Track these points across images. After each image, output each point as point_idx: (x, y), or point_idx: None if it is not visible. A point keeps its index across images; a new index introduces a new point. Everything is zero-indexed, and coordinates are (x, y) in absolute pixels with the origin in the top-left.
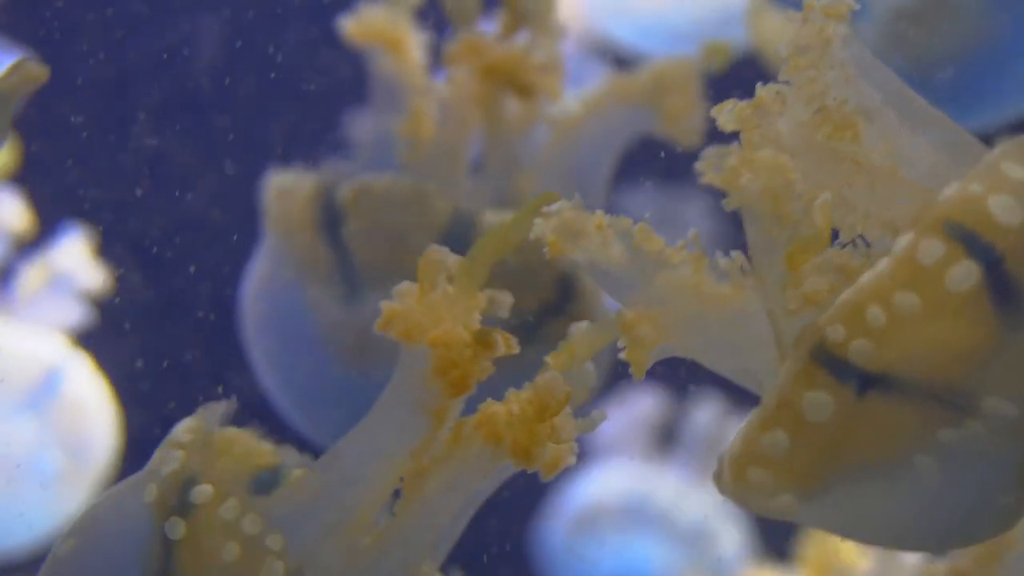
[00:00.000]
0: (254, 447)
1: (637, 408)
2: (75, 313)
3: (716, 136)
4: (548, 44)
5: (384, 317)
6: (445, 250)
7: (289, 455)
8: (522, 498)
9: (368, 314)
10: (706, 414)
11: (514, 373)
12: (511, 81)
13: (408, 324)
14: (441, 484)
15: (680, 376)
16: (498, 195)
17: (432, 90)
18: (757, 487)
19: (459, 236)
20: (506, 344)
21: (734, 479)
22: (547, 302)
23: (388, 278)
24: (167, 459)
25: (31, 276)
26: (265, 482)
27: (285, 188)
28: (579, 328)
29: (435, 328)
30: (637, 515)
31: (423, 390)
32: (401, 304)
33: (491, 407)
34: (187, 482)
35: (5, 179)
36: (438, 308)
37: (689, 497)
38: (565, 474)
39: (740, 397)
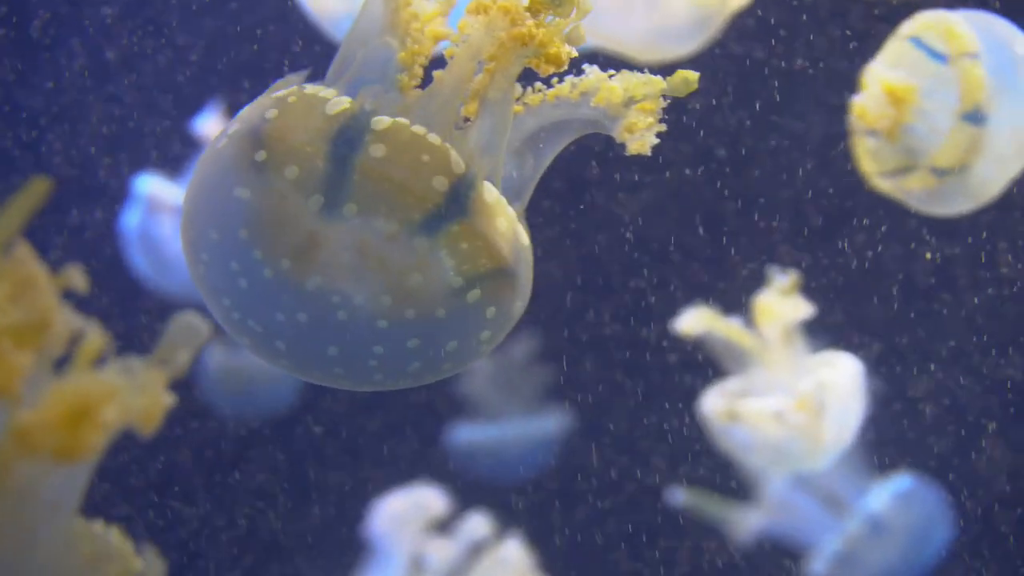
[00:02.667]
0: None
1: (419, 499)
2: None
3: None
4: (575, 20)
5: None
6: None
7: None
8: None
9: (334, 231)
10: (476, 525)
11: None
12: (541, 53)
13: None
14: (23, 485)
15: (464, 480)
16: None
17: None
18: None
19: (459, 197)
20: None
21: None
22: (438, 207)
23: (373, 209)
24: None
25: None
26: None
27: (315, 96)
28: None
29: None
30: None
31: None
32: None
33: (25, 418)
34: None
35: None
36: None
37: None
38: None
39: (512, 517)
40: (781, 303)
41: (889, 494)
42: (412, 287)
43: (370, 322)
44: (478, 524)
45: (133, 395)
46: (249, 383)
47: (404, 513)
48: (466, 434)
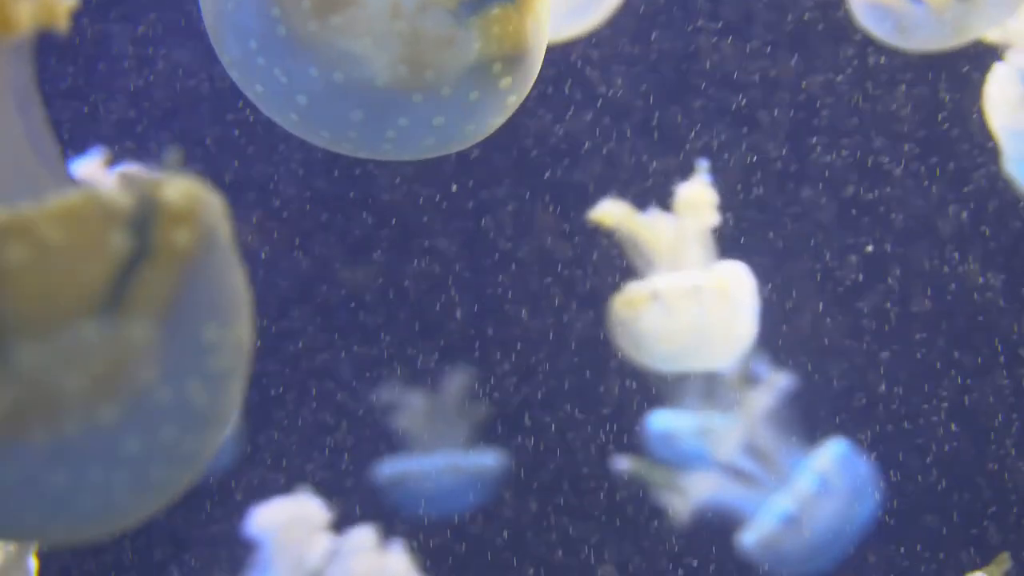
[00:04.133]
0: None
1: (303, 507)
2: None
3: None
4: None
5: None
6: None
7: None
8: None
9: None
10: (362, 538)
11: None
12: None
13: None
14: None
15: (352, 494)
16: None
17: None
18: None
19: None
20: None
21: None
22: None
23: None
24: None
25: None
26: None
27: None
28: None
29: None
30: None
31: None
32: None
33: None
34: None
35: None
36: None
37: None
38: None
39: (393, 529)
40: (705, 194)
41: (830, 455)
42: (449, 66)
43: (405, 94)
44: (363, 534)
45: None
46: None
47: (281, 520)
48: (395, 467)
